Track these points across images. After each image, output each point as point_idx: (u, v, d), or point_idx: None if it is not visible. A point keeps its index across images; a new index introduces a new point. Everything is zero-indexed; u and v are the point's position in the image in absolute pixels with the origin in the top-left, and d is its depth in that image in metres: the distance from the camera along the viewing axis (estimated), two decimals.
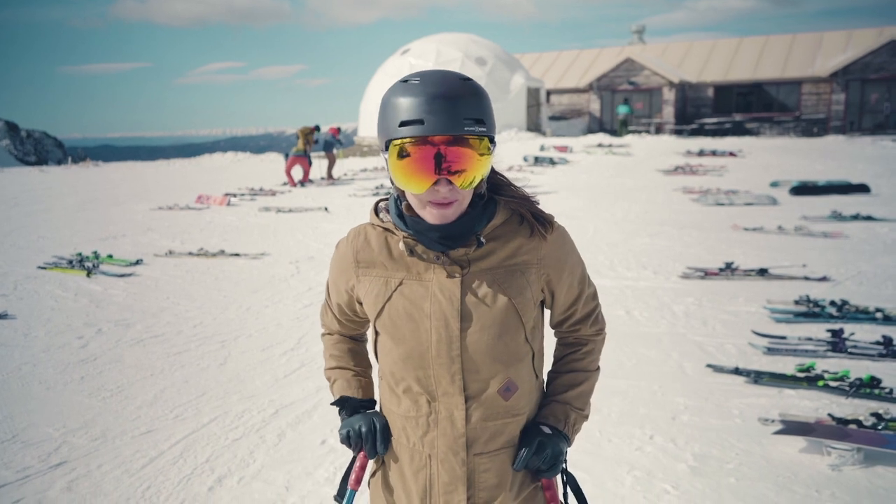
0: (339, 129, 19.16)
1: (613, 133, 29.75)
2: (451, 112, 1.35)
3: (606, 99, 32.14)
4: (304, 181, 17.24)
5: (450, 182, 1.38)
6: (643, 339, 5.37)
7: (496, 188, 1.55)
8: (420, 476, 1.54)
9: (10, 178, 21.74)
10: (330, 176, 18.27)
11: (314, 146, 18.34)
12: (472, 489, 1.52)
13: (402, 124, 1.36)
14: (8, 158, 43.79)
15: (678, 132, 29.51)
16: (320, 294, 7.02)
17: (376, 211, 1.58)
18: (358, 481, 1.63)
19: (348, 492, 1.65)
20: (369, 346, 1.78)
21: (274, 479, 3.44)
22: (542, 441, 1.53)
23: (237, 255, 8.97)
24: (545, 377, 1.68)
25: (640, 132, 29.66)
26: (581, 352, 1.67)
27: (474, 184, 1.41)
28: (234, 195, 15.13)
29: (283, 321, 6.16)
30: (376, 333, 1.58)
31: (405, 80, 1.41)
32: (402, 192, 1.46)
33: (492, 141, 1.41)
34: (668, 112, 30.56)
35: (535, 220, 1.53)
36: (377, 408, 1.70)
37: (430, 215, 1.43)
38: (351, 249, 1.58)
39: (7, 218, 12.99)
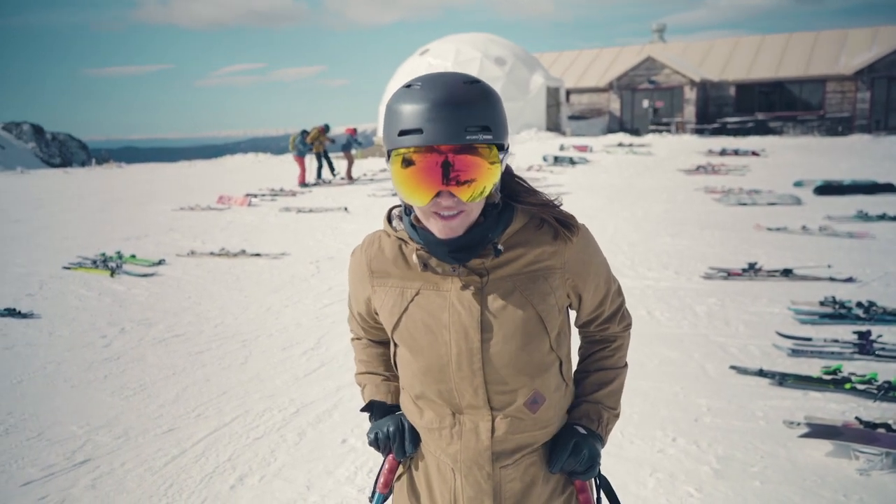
0: (355, 130, 19.26)
1: (634, 132, 29.56)
2: (452, 119, 1.25)
3: (627, 98, 31.94)
4: (301, 182, 17.35)
5: (452, 194, 1.29)
6: (665, 340, 5.32)
7: (515, 195, 1.46)
8: (445, 488, 1.50)
9: (36, 180, 22.11)
10: (349, 176, 18.36)
11: (331, 146, 18.48)
12: (498, 499, 1.47)
13: (402, 133, 1.28)
14: (34, 160, 44.50)
15: (699, 131, 29.24)
16: (340, 294, 7.04)
17: (389, 219, 1.51)
18: (387, 485, 1.59)
19: (377, 496, 1.60)
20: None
21: (295, 478, 3.45)
22: (577, 442, 1.48)
23: (258, 255, 9.03)
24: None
25: (660, 131, 29.45)
26: (610, 349, 1.62)
27: (484, 195, 1.32)
28: (255, 196, 15.24)
29: (302, 321, 6.18)
30: (394, 345, 1.53)
31: (407, 86, 1.32)
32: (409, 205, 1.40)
33: (501, 148, 1.32)
34: (690, 111, 30.30)
35: (558, 224, 1.44)
36: None
37: (436, 228, 1.35)
38: (365, 258, 1.52)
39: (33, 219, 13.19)
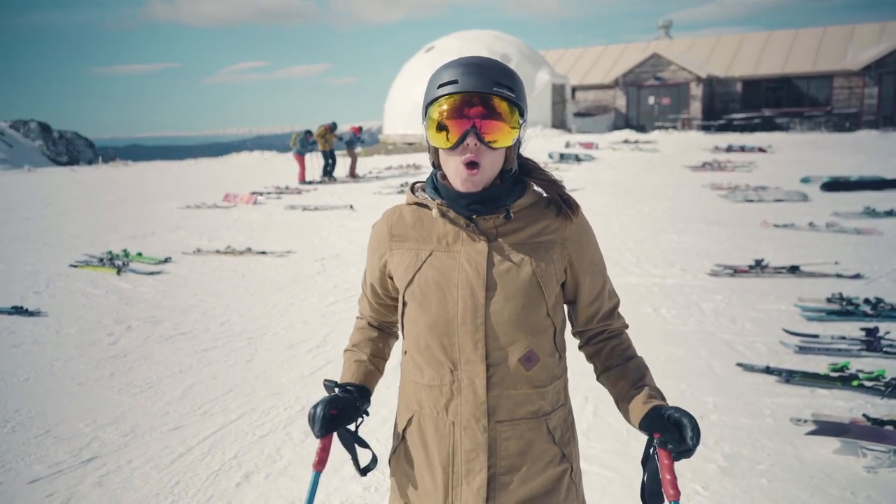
0: (360, 128, 19.29)
1: (640, 129, 29.47)
2: (483, 75, 1.46)
3: (632, 95, 31.85)
4: (301, 180, 17.40)
5: (478, 137, 1.46)
6: (671, 337, 5.30)
7: (527, 171, 1.62)
8: (443, 444, 1.57)
9: (43, 178, 22.19)
10: (353, 174, 18.39)
11: (337, 143, 18.51)
12: (494, 457, 1.54)
13: (440, 86, 1.49)
14: (41, 159, 44.65)
15: (706, 128, 29.13)
16: (346, 291, 7.04)
17: (413, 190, 1.67)
18: (320, 463, 1.66)
19: (312, 475, 1.67)
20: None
21: (300, 476, 3.46)
22: (689, 415, 1.49)
23: (263, 253, 9.05)
24: (567, 362, 1.67)
25: (666, 128, 29.34)
26: (623, 338, 1.68)
27: (501, 143, 1.49)
28: (261, 193, 15.27)
29: (308, 319, 6.18)
30: (404, 304, 1.62)
31: (448, 61, 1.54)
32: (438, 161, 1.56)
33: (522, 115, 1.50)
34: (696, 107, 30.19)
35: (561, 202, 1.59)
36: (398, 385, 1.72)
37: (459, 180, 1.51)
38: (386, 224, 1.66)
39: (40, 217, 13.24)
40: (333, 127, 18.27)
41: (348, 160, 18.81)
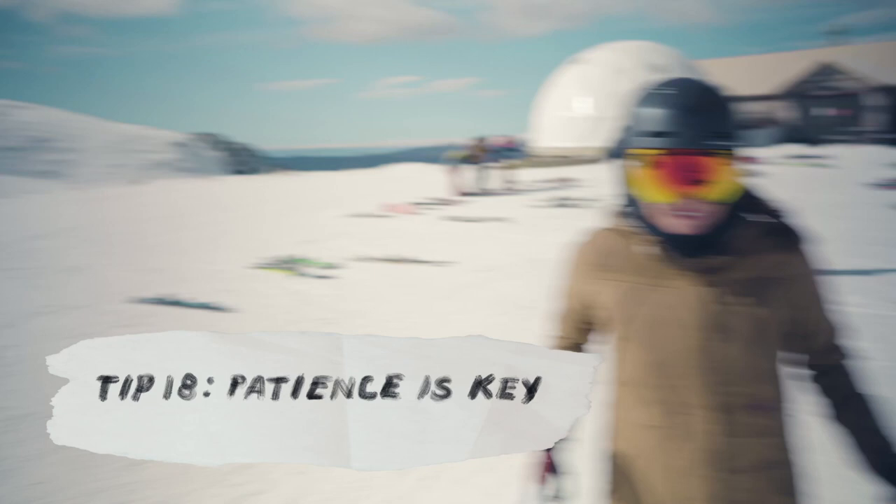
0: (510, 140, 19.41)
1: (809, 142, 27.51)
2: (700, 125, 1.36)
3: (799, 106, 29.81)
4: (457, 192, 17.64)
5: (697, 196, 1.37)
6: None
7: (746, 199, 1.50)
8: (667, 489, 1.49)
9: (220, 186, 24.24)
10: (508, 186, 18.61)
11: (486, 156, 18.76)
12: None
13: (648, 135, 1.40)
14: (221, 168, 48.70)
15: (889, 141, 26.68)
16: (506, 304, 7.11)
17: (617, 215, 1.58)
18: (539, 478, 1.62)
19: (529, 490, 1.63)
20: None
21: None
22: None
23: (425, 262, 9.35)
24: (796, 410, 1.57)
25: (839, 141, 27.19)
26: (846, 372, 1.55)
27: (722, 196, 1.38)
28: (419, 204, 15.74)
29: (471, 330, 6.31)
30: (618, 339, 1.55)
31: (656, 90, 1.43)
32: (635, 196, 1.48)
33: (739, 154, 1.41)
34: (872, 118, 27.75)
35: (787, 235, 1.48)
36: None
37: (676, 226, 1.42)
38: (593, 253, 1.58)
39: (221, 221, 14.48)
40: (484, 140, 18.56)
41: (501, 173, 19.01)
